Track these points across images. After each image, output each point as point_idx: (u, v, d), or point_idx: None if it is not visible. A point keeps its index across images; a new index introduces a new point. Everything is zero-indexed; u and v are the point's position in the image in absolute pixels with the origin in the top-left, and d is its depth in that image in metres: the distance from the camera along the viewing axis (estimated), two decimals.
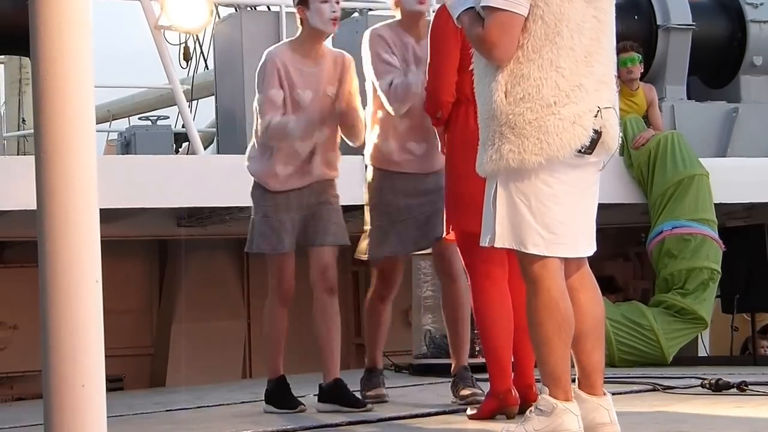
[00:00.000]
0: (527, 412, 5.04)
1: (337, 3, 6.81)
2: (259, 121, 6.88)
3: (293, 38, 7.05)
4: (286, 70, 6.83)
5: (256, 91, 6.95)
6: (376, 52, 6.81)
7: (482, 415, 5.96)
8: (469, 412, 6.11)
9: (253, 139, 7.07)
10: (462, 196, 6.05)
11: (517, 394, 5.97)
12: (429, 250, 7.07)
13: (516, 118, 4.84)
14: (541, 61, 4.86)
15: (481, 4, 4.94)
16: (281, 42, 7.11)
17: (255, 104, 6.95)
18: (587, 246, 5.06)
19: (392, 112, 6.78)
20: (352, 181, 7.53)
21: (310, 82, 6.87)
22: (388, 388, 7.59)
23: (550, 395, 4.89)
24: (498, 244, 4.97)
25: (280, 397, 7.04)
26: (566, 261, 4.99)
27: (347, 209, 7.26)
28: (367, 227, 7.02)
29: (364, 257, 7.03)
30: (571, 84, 4.87)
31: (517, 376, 6.08)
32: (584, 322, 4.98)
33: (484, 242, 5.10)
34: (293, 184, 6.90)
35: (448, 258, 6.81)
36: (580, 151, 4.88)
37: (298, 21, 6.91)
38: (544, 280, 4.91)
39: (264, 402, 7.14)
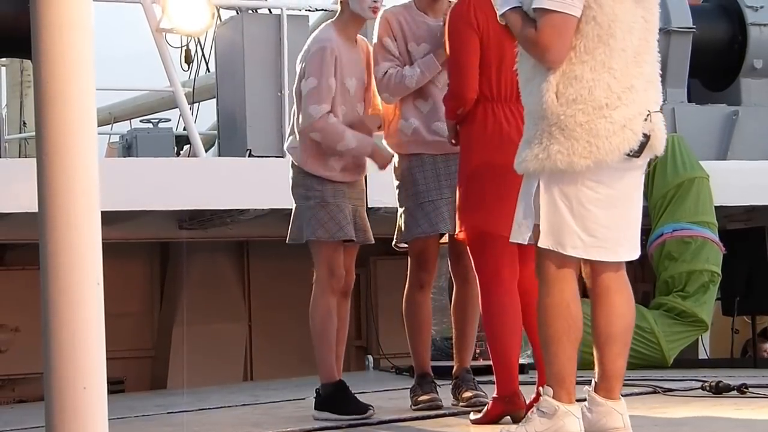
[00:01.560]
0: (529, 413, 5.04)
1: None
2: (308, 106, 6.63)
3: (334, 21, 6.87)
4: (340, 57, 6.70)
5: (305, 74, 6.69)
6: (380, 36, 6.78)
7: (488, 419, 5.89)
8: (472, 417, 6.04)
9: (295, 129, 6.83)
10: (476, 195, 6.00)
11: (524, 398, 5.91)
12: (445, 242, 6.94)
13: (567, 120, 4.82)
14: (594, 63, 4.85)
15: (534, 6, 4.90)
16: (325, 25, 6.88)
17: (303, 87, 6.69)
18: (629, 250, 5.04)
19: (384, 101, 6.79)
20: None
21: (355, 70, 6.79)
22: (388, 390, 7.58)
23: (553, 397, 4.89)
24: (543, 244, 4.94)
25: (340, 401, 6.65)
26: (602, 265, 4.99)
27: None
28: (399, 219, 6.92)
29: (402, 247, 6.91)
30: (623, 85, 4.85)
31: (539, 375, 5.98)
32: (615, 324, 4.99)
33: (515, 238, 5.09)
34: (350, 177, 6.82)
35: (466, 261, 6.70)
36: (628, 155, 4.87)
37: (339, 4, 6.83)
38: (559, 282, 4.91)
39: (315, 409, 6.74)
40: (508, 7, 5.07)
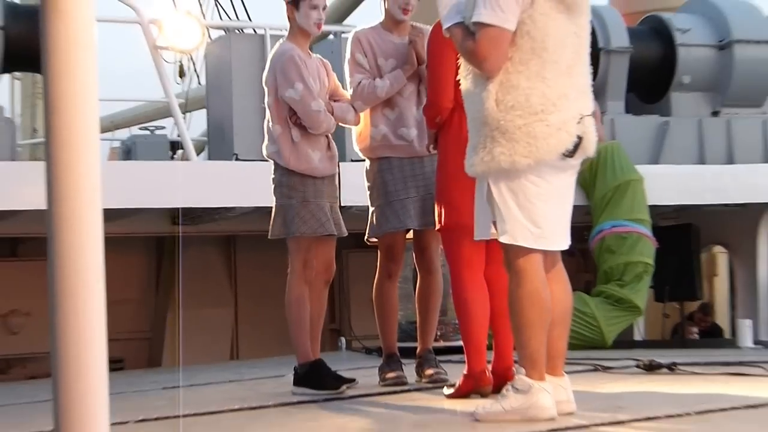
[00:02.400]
0: (503, 390, 5.03)
1: (324, 9, 6.84)
2: (308, 108, 6.64)
3: (287, 37, 6.89)
4: (304, 63, 6.72)
5: (286, 83, 6.66)
6: (352, 53, 6.84)
7: (459, 394, 5.89)
8: (446, 392, 6.02)
9: (275, 132, 6.80)
10: (452, 194, 6.00)
11: (491, 375, 5.91)
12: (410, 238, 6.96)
13: (507, 124, 4.82)
14: (529, 73, 4.85)
15: (473, 20, 4.92)
16: (281, 41, 6.90)
17: (291, 95, 6.65)
18: (564, 240, 5.07)
19: (355, 108, 6.80)
20: None
21: (314, 75, 6.80)
22: (359, 368, 7.58)
23: (527, 376, 4.89)
24: (503, 239, 4.97)
25: (316, 378, 6.65)
26: (544, 255, 5.00)
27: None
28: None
29: (372, 241, 6.92)
30: (557, 93, 4.85)
31: (497, 358, 6.01)
32: (555, 311, 4.98)
33: (479, 236, 5.10)
34: (326, 169, 6.80)
35: (429, 254, 6.79)
36: (564, 155, 4.88)
37: (288, 20, 6.86)
38: (529, 272, 4.90)
39: (294, 385, 6.72)
40: (451, 23, 5.10)
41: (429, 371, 6.71)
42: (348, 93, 6.89)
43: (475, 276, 5.98)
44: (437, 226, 6.25)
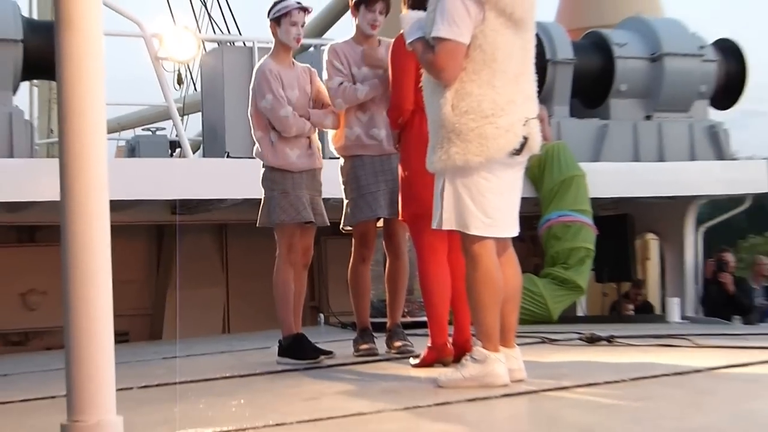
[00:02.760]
0: (462, 360, 5.04)
1: (303, 26, 6.89)
2: (278, 111, 6.70)
3: (270, 53, 6.95)
4: (279, 76, 6.78)
5: (263, 94, 6.74)
6: (330, 61, 6.86)
7: (424, 364, 5.87)
8: (412, 362, 6.00)
9: (256, 136, 6.87)
10: (415, 187, 6.00)
11: (452, 347, 5.91)
12: (380, 226, 6.97)
13: (461, 127, 4.83)
14: (480, 81, 4.85)
15: (432, 35, 4.93)
16: (266, 56, 6.96)
17: (265, 103, 6.72)
18: (514, 228, 5.07)
19: (334, 106, 6.81)
20: None
21: (294, 84, 6.84)
22: (336, 341, 7.57)
23: (483, 347, 4.90)
24: (446, 227, 4.98)
25: (297, 349, 6.66)
26: (496, 242, 5.01)
27: None
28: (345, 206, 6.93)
29: (347, 229, 6.93)
30: (505, 99, 4.85)
31: (457, 332, 6.00)
32: (507, 290, 4.99)
33: (435, 225, 5.10)
34: (304, 164, 6.81)
35: (397, 240, 6.81)
36: (512, 153, 4.89)
37: (273, 36, 6.91)
38: (483, 257, 4.91)
39: (278, 356, 6.73)
40: (414, 38, 5.11)
41: (397, 343, 6.73)
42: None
43: (437, 260, 5.98)
44: (400, 217, 6.27)
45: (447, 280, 5.97)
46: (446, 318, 5.99)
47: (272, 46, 7.04)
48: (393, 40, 6.31)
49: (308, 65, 7.10)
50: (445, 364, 5.77)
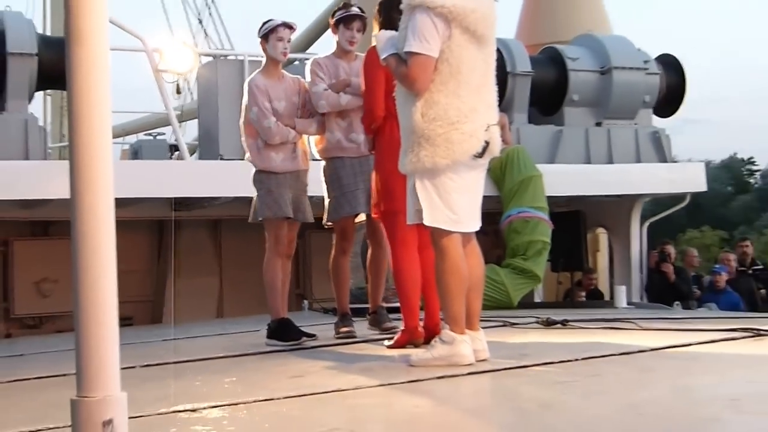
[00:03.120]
0: (432, 342, 5.05)
1: (289, 42, 6.90)
2: (262, 122, 6.72)
3: (261, 69, 6.98)
4: (266, 89, 6.80)
5: (249, 106, 6.79)
6: (314, 70, 6.89)
7: (398, 345, 5.88)
8: (386, 343, 6.02)
9: (246, 143, 6.90)
10: (389, 186, 6.01)
11: (423, 330, 5.91)
12: (362, 220, 6.96)
13: (430, 132, 4.85)
14: (447, 92, 4.87)
15: (405, 50, 4.93)
16: (254, 73, 7.01)
17: (251, 114, 6.77)
18: (476, 224, 5.09)
19: (317, 108, 6.81)
20: None
21: (281, 96, 6.85)
22: (319, 324, 7.57)
23: (450, 330, 4.91)
24: (417, 222, 4.99)
25: (284, 332, 6.66)
26: (462, 236, 5.01)
27: None
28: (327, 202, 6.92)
29: (329, 225, 6.91)
30: (468, 107, 4.87)
31: (427, 317, 5.99)
32: (471, 279, 5.01)
33: (409, 221, 5.11)
34: (287, 166, 6.81)
35: (379, 233, 6.80)
36: (475, 156, 4.90)
37: (263, 51, 6.92)
38: (450, 249, 4.93)
39: (267, 338, 6.73)
40: (387, 53, 5.12)
41: (388, 324, 6.76)
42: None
43: (409, 252, 5.98)
44: (373, 213, 6.27)
45: (418, 270, 5.97)
46: (417, 304, 6.00)
47: (262, 59, 7.05)
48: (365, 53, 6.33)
49: (298, 76, 7.11)
50: (416, 346, 5.78)
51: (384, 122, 6.11)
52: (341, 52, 6.96)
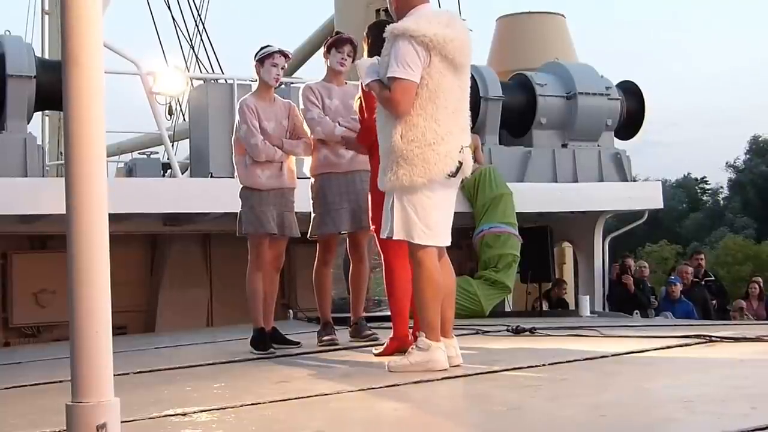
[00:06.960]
0: (409, 349, 5.03)
1: (282, 69, 6.87)
2: (249, 140, 6.71)
3: (254, 91, 6.98)
4: (257, 110, 6.79)
5: (240, 125, 6.79)
6: (306, 96, 6.86)
7: (387, 353, 5.76)
8: (374, 351, 5.91)
9: (235, 160, 6.91)
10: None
11: (413, 338, 5.86)
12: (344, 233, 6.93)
13: (408, 153, 4.86)
14: (425, 115, 4.88)
15: (388, 75, 4.93)
16: (247, 94, 7.02)
17: (241, 132, 6.76)
18: (448, 239, 5.09)
19: (314, 133, 6.80)
20: None
21: (271, 117, 6.84)
22: (303, 333, 7.55)
23: (426, 338, 4.91)
24: (395, 237, 4.99)
25: (259, 342, 6.64)
26: (437, 247, 5.01)
27: None
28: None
29: (314, 238, 6.88)
30: (444, 130, 4.89)
31: (416, 326, 5.91)
32: (445, 288, 5.01)
33: (384, 235, 5.10)
34: (272, 184, 6.78)
35: (361, 249, 6.82)
36: (449, 175, 4.91)
37: (257, 74, 6.91)
38: (426, 262, 4.93)
39: (251, 345, 6.71)
40: (370, 79, 5.11)
41: (367, 332, 6.80)
42: (305, 126, 6.88)
43: (402, 264, 5.90)
44: (371, 227, 6.19)
45: (409, 281, 5.91)
46: (407, 313, 5.93)
47: (249, 83, 7.06)
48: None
49: (289, 101, 7.09)
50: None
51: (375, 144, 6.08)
52: (332, 76, 6.95)
